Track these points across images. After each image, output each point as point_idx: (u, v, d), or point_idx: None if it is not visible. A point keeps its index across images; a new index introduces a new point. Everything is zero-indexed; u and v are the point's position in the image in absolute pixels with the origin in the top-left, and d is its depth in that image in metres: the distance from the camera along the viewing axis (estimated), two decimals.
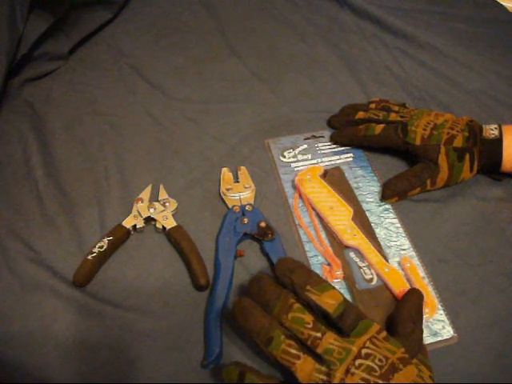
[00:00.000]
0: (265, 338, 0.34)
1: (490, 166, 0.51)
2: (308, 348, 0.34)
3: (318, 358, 0.33)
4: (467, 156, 0.49)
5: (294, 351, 0.33)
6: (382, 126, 0.53)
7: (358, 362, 0.32)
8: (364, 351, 0.33)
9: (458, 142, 0.50)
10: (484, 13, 0.80)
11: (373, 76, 0.68)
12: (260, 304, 0.36)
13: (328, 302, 0.35)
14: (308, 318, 0.34)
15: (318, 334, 0.33)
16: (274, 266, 0.39)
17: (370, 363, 0.32)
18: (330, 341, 0.33)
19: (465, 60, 0.69)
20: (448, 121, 0.52)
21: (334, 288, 0.36)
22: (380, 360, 0.33)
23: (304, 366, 0.33)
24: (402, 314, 0.37)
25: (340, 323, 0.34)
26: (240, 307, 0.36)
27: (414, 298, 0.40)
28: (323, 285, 0.36)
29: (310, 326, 0.34)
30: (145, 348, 0.40)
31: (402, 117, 0.54)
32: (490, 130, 0.50)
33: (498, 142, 0.49)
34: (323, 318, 0.35)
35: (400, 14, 0.78)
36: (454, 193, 0.52)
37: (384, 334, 0.35)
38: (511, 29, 0.77)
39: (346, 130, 0.57)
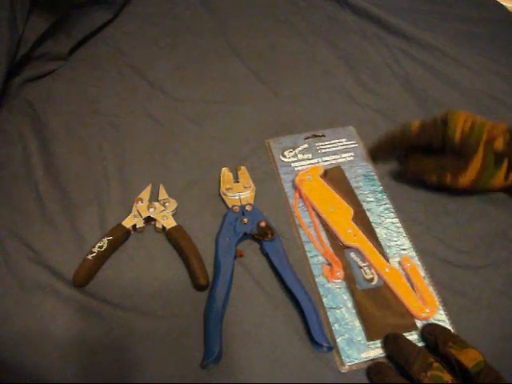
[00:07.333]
0: None
1: None
2: None
3: None
4: (506, 162, 0.46)
5: None
6: (418, 121, 0.51)
7: None
8: None
9: (499, 144, 0.46)
10: (484, 13, 0.80)
11: (373, 76, 0.68)
12: (399, 360, 0.38)
13: (468, 358, 0.35)
14: (447, 376, 0.35)
15: None
16: (422, 329, 0.40)
17: None
18: None
19: (465, 60, 0.69)
20: (487, 122, 0.48)
21: (475, 348, 0.36)
22: None
23: None
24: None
25: (478, 381, 0.35)
26: (377, 368, 0.38)
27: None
28: (465, 344, 0.37)
29: None
30: (144, 348, 0.40)
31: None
32: None
33: None
34: (461, 377, 0.36)
35: (400, 13, 0.78)
36: (455, 193, 0.52)
37: None
38: (511, 29, 0.77)
39: (382, 141, 0.54)
